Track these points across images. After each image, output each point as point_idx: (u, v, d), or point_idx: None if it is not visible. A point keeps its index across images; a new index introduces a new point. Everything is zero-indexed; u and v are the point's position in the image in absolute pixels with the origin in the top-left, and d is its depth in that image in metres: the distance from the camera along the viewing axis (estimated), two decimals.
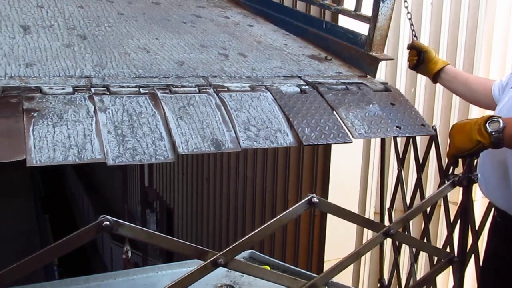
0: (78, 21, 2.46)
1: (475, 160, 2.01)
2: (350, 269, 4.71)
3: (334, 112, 1.95)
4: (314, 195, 1.63)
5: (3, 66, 1.82)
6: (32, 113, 1.56)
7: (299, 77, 2.16)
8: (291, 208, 1.63)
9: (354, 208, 4.58)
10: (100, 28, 2.40)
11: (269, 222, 1.60)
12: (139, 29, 2.48)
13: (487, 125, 1.73)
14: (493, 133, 1.73)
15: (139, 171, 10.19)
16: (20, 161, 1.43)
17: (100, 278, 2.92)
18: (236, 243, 1.56)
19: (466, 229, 2.06)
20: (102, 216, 1.37)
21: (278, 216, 1.61)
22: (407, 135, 2.01)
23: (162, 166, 9.22)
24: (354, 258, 1.79)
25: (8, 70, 1.79)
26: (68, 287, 2.81)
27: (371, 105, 2.04)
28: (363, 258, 4.73)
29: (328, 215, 4.35)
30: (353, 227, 4.35)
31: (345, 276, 4.39)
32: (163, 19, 2.71)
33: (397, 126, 1.99)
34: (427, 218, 2.45)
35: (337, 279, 2.78)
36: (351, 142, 1.87)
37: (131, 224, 1.42)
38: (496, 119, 1.74)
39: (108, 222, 1.36)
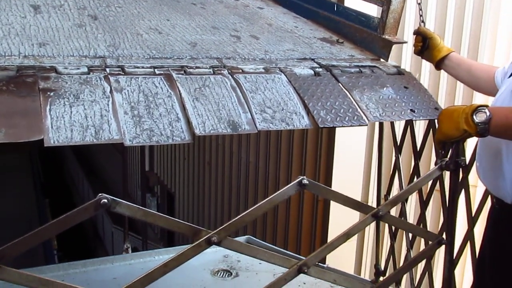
0: (88, 1, 2.43)
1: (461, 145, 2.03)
2: (352, 257, 4.73)
3: (349, 94, 1.94)
4: (304, 177, 1.66)
5: (16, 45, 1.80)
6: (49, 93, 1.54)
7: (312, 59, 2.15)
8: (282, 189, 1.66)
9: (358, 193, 4.58)
10: (110, 9, 2.37)
11: (260, 203, 1.63)
12: (149, 10, 2.46)
13: (474, 115, 1.75)
14: (480, 124, 1.74)
15: (139, 155, 10.17)
16: (19, 146, 1.41)
17: (97, 263, 2.94)
18: (229, 222, 1.59)
19: (454, 212, 2.10)
20: (100, 194, 1.41)
21: (269, 197, 1.65)
22: (421, 118, 2.01)
23: (163, 150, 9.20)
24: (344, 239, 1.82)
25: (22, 49, 1.78)
26: (66, 271, 2.83)
27: (385, 88, 2.03)
28: (365, 247, 4.74)
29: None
30: (356, 212, 4.36)
31: (347, 265, 4.42)
32: (172, 0, 2.68)
33: (411, 110, 1.99)
34: (423, 205, 2.46)
35: (339, 267, 2.81)
36: (366, 124, 1.87)
37: (128, 203, 1.46)
38: (483, 110, 1.75)
39: (106, 200, 1.40)
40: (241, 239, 3.22)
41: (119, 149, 10.38)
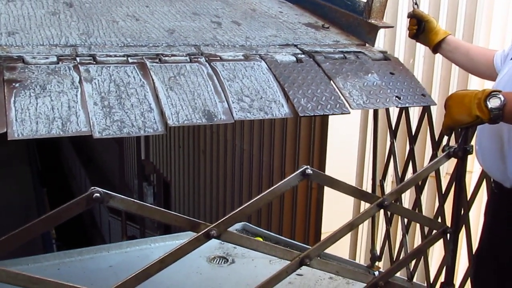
0: None
1: (470, 131, 1.97)
2: (347, 242, 4.70)
3: (331, 81, 1.88)
4: (308, 166, 1.60)
5: None
6: (14, 84, 1.49)
7: (295, 45, 2.08)
8: (284, 180, 1.60)
9: (352, 180, 4.54)
10: None
11: (262, 194, 1.57)
12: None
13: (487, 101, 1.67)
14: (494, 110, 1.67)
15: (135, 144, 10.13)
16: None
17: (93, 251, 2.91)
18: (229, 215, 1.53)
19: (460, 200, 2.05)
20: (92, 188, 1.35)
21: (271, 188, 1.59)
22: (407, 105, 1.95)
23: (159, 139, 9.15)
24: (348, 229, 1.77)
25: None
26: (62, 260, 2.80)
27: (369, 75, 1.97)
28: (360, 231, 4.71)
29: (325, 187, 4.33)
30: (350, 199, 4.32)
31: (342, 250, 4.38)
32: None
33: (396, 96, 1.93)
34: (419, 189, 2.42)
35: (333, 251, 2.77)
36: (349, 113, 1.81)
37: (122, 196, 1.40)
38: (497, 95, 1.68)
39: (98, 194, 1.34)
40: (238, 225, 3.19)
41: (115, 138, 10.33)
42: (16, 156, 14.57)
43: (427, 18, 2.38)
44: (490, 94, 1.68)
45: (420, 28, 2.40)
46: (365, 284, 1.91)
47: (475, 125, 1.80)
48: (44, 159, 16.64)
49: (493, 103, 1.67)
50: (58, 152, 18.74)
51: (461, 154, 1.90)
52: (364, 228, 4.69)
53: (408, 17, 2.47)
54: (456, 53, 2.38)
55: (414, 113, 3.83)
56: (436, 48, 2.40)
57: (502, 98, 1.67)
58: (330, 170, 4.43)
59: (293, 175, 1.61)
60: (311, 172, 1.61)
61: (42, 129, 1.40)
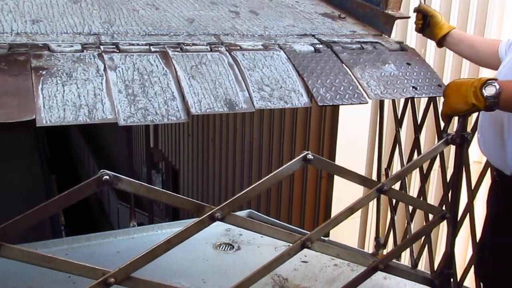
0: None
1: (469, 119, 2.01)
2: (355, 233, 4.72)
3: (349, 71, 1.90)
4: (309, 152, 1.65)
5: (8, 23, 1.76)
6: (41, 71, 1.51)
7: (313, 35, 2.10)
8: (286, 164, 1.64)
9: (361, 169, 4.55)
10: None
11: (265, 178, 1.62)
12: None
13: (483, 89, 1.73)
14: (489, 98, 1.73)
15: (144, 132, 10.17)
16: (24, 122, 1.40)
17: (101, 237, 2.95)
18: (233, 198, 1.58)
19: (459, 186, 2.10)
20: (102, 170, 1.39)
21: (274, 172, 1.63)
22: (423, 96, 1.97)
23: (168, 127, 9.18)
24: (348, 213, 1.81)
25: (14, 26, 1.74)
26: (70, 245, 2.84)
27: (386, 65, 1.99)
28: (369, 220, 4.74)
29: (335, 177, 4.34)
30: (359, 189, 4.34)
31: (350, 242, 4.41)
32: None
33: (413, 87, 1.95)
34: (423, 178, 2.45)
35: (342, 240, 2.80)
36: (367, 102, 1.83)
37: (130, 179, 1.45)
38: (492, 83, 1.73)
39: (107, 177, 1.39)
40: (243, 213, 3.22)
41: (123, 126, 10.35)
42: (25, 143, 14.66)
43: (432, 13, 2.40)
44: (486, 83, 1.73)
45: (425, 23, 2.42)
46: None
47: (472, 113, 1.85)
48: (52, 146, 16.73)
49: (489, 91, 1.73)
50: (67, 139, 18.83)
51: (459, 141, 1.96)
52: (372, 218, 4.71)
53: (414, 11, 2.49)
54: (460, 45, 2.40)
55: (424, 102, 3.85)
56: (441, 42, 2.42)
57: (497, 87, 1.72)
58: (340, 159, 4.45)
59: (294, 160, 1.65)
60: (312, 157, 1.65)
61: (69, 116, 1.43)
